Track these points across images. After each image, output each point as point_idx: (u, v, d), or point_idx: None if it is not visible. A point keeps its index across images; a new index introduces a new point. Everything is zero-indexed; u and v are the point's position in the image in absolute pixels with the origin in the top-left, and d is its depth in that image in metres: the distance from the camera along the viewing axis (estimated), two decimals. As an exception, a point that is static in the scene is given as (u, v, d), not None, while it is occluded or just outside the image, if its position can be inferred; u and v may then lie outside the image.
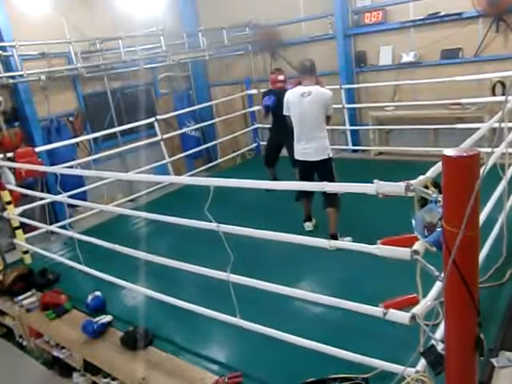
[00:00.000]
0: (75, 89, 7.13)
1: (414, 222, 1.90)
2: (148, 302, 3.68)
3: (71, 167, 5.65)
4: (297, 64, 7.90)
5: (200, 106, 7.89)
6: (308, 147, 4.37)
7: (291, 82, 5.13)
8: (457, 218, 1.57)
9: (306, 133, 4.37)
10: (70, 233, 4.43)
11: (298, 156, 4.50)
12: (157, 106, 8.25)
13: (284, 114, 4.56)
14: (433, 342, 1.90)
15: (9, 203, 4.79)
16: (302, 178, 4.52)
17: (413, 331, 2.18)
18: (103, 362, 3.26)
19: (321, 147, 4.34)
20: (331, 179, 4.20)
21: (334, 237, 4.26)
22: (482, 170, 1.60)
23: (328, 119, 4.44)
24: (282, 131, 5.28)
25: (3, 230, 5.73)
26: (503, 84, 5.91)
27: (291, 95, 4.45)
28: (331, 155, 4.41)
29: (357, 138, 7.58)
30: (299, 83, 4.69)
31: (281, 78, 5.78)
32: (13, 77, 5.96)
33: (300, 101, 4.33)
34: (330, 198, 4.28)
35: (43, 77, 6.16)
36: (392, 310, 2.19)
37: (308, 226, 4.76)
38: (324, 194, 4.28)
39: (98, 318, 3.50)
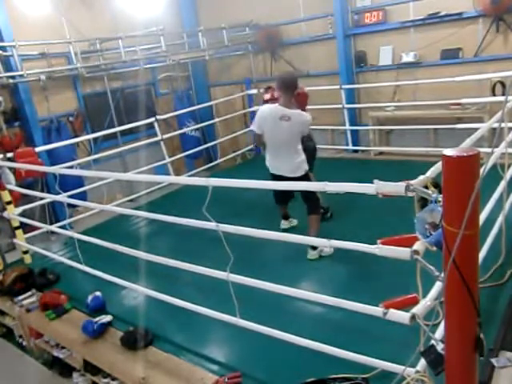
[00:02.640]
0: (75, 89, 7.14)
1: (416, 222, 1.90)
2: (148, 301, 3.68)
3: (71, 167, 5.65)
4: (296, 65, 8.01)
5: (200, 106, 7.88)
6: (282, 165, 4.24)
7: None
8: (457, 217, 1.57)
9: (281, 154, 4.22)
10: (70, 233, 4.43)
11: (271, 170, 4.35)
12: (157, 106, 8.26)
13: (255, 131, 4.30)
14: (433, 341, 1.90)
15: (9, 203, 4.79)
16: (276, 192, 4.52)
17: (413, 331, 2.18)
18: (103, 362, 3.26)
19: (295, 167, 4.18)
20: (311, 192, 4.14)
21: (312, 247, 4.15)
22: (481, 170, 1.60)
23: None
24: None
25: (3, 230, 5.73)
26: (503, 84, 5.91)
27: (267, 113, 4.15)
28: (307, 169, 4.28)
29: (357, 138, 7.58)
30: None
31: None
32: (13, 77, 5.97)
33: (277, 124, 4.06)
34: (311, 206, 4.27)
35: (43, 77, 6.17)
36: (392, 310, 2.18)
37: (283, 223, 4.81)
38: (305, 201, 4.27)
39: (97, 318, 3.50)
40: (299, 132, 4.16)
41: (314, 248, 4.13)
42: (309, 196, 4.21)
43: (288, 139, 4.14)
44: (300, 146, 4.24)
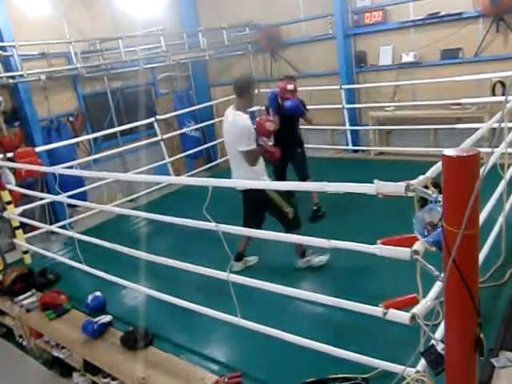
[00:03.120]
0: (75, 89, 7.13)
1: (414, 221, 1.90)
2: (148, 301, 3.69)
3: (71, 167, 5.65)
4: (296, 64, 8.01)
5: (200, 106, 7.89)
6: (234, 175, 3.97)
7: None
8: (457, 217, 1.57)
9: (232, 162, 3.98)
10: (70, 233, 4.42)
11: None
12: (157, 106, 8.26)
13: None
14: (433, 341, 1.90)
15: (9, 203, 4.79)
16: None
17: (413, 331, 2.18)
18: (103, 362, 3.26)
19: (243, 178, 3.76)
20: (275, 207, 3.82)
21: (302, 255, 4.00)
22: (481, 170, 1.60)
23: (246, 156, 3.72)
24: (286, 146, 4.88)
25: (3, 230, 5.73)
26: (503, 84, 5.91)
27: (225, 115, 3.96)
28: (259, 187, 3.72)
29: (357, 138, 7.58)
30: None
31: (290, 87, 4.92)
32: (13, 77, 5.96)
33: (225, 125, 3.92)
34: (286, 225, 3.86)
35: (43, 77, 6.17)
36: (392, 310, 2.19)
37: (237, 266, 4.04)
38: (280, 220, 3.90)
39: (98, 318, 3.50)
40: (234, 138, 3.76)
41: (302, 256, 4.00)
42: (277, 217, 3.90)
43: (229, 142, 3.88)
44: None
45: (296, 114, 4.99)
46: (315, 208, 5.07)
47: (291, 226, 3.88)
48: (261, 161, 3.93)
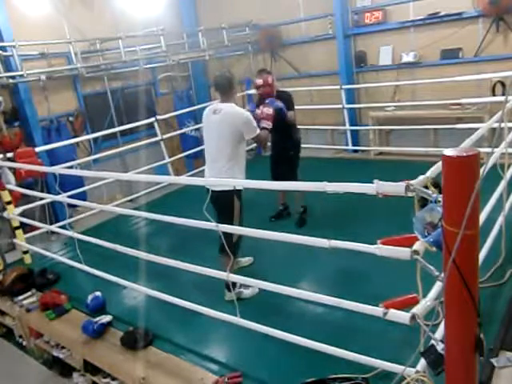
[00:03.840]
0: (75, 89, 7.13)
1: (414, 221, 1.90)
2: (148, 301, 3.69)
3: (71, 167, 5.65)
4: (296, 64, 8.02)
5: (200, 105, 7.87)
6: (210, 174, 3.66)
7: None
8: (457, 217, 1.57)
9: (210, 157, 3.66)
10: (70, 233, 4.42)
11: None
12: (157, 105, 8.26)
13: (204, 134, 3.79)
14: (433, 341, 1.90)
15: (9, 203, 4.79)
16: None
17: (413, 331, 2.18)
18: (103, 362, 3.26)
19: (221, 176, 3.52)
20: (229, 219, 3.42)
21: (227, 287, 3.43)
22: (481, 170, 1.60)
23: (258, 139, 3.73)
24: (278, 147, 4.92)
25: (3, 230, 5.73)
26: (503, 84, 5.91)
27: (206, 111, 3.74)
28: (235, 189, 3.46)
29: (357, 138, 7.58)
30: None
31: (258, 82, 4.74)
32: (13, 77, 5.97)
33: (209, 119, 3.63)
34: (225, 243, 2.99)
35: (43, 77, 6.17)
36: (392, 310, 2.19)
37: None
38: (220, 237, 3.07)
39: (97, 318, 3.50)
40: (232, 131, 3.48)
41: (229, 289, 3.30)
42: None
43: (217, 137, 3.55)
44: (235, 155, 3.54)
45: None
46: (301, 210, 4.94)
47: (229, 247, 3.01)
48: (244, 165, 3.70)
